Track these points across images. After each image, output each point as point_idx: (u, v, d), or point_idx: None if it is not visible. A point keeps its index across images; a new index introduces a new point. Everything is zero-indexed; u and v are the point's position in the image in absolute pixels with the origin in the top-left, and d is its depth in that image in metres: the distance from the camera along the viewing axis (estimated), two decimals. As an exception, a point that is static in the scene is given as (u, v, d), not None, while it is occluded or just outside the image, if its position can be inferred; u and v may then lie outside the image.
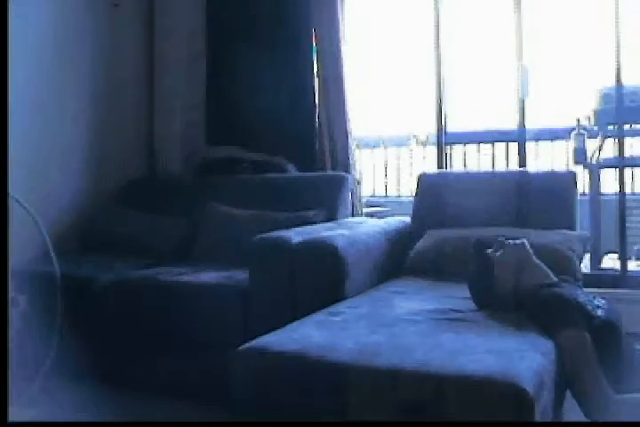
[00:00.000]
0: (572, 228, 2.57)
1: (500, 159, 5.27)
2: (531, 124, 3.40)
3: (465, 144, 5.37)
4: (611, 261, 3.96)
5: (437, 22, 3.45)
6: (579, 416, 2.07)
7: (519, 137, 3.41)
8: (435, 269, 2.48)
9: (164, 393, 2.34)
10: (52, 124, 3.16)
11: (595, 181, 4.28)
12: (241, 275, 2.42)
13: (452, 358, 1.47)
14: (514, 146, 3.66)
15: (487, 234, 2.24)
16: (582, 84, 4.58)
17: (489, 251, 1.97)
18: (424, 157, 5.76)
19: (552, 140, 5.26)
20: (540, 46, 3.62)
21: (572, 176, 2.73)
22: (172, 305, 2.43)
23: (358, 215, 3.29)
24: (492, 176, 2.88)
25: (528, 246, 1.99)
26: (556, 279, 1.96)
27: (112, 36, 3.51)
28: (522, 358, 1.47)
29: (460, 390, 1.35)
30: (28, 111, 2.95)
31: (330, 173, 3.31)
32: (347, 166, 3.35)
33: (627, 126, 4.20)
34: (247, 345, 1.62)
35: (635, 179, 5.13)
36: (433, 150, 3.63)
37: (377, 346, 1.56)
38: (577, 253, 2.39)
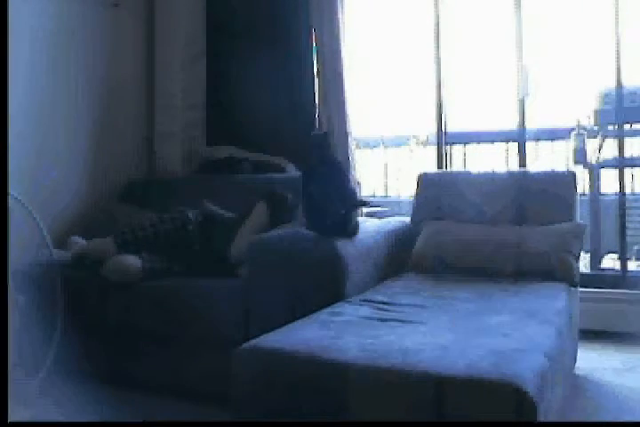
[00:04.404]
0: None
1: (500, 159, 5.26)
2: (531, 125, 3.40)
3: (465, 144, 5.36)
4: (611, 261, 3.97)
5: (437, 22, 3.45)
6: (579, 416, 2.08)
7: (519, 137, 3.42)
8: (435, 266, 2.49)
9: (164, 393, 2.34)
10: (52, 124, 3.16)
11: (595, 181, 4.28)
12: (241, 275, 2.43)
13: (453, 358, 1.47)
14: (514, 146, 3.66)
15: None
16: (582, 84, 4.58)
17: None
18: (424, 157, 5.75)
19: (552, 140, 5.25)
20: (540, 46, 3.62)
21: (572, 176, 2.73)
22: (172, 305, 2.43)
23: (358, 215, 3.28)
24: (492, 176, 2.87)
25: None
26: None
27: (112, 36, 3.51)
28: (523, 358, 1.47)
29: (462, 392, 1.35)
30: (28, 111, 2.95)
31: (330, 173, 3.31)
32: (346, 166, 3.35)
33: (627, 126, 4.20)
34: (248, 344, 1.62)
35: (635, 179, 5.13)
36: (433, 150, 3.63)
37: (378, 346, 1.56)
38: (574, 252, 2.41)
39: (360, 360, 1.48)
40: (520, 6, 3.32)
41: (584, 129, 4.10)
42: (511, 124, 3.45)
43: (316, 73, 3.47)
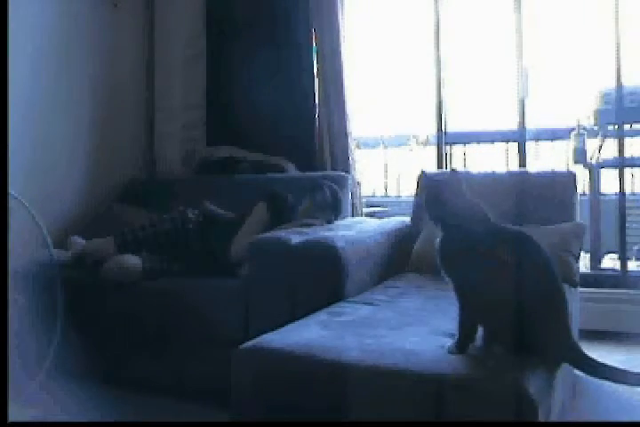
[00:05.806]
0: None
1: (500, 159, 5.27)
2: (531, 125, 3.40)
3: (465, 144, 5.37)
4: (611, 261, 3.97)
5: (437, 22, 3.45)
6: (579, 416, 2.08)
7: (519, 137, 3.41)
8: (435, 266, 2.48)
9: (164, 393, 2.34)
10: (52, 124, 3.16)
11: (595, 181, 4.28)
12: (241, 275, 2.43)
13: (454, 358, 1.47)
14: (514, 146, 3.66)
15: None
16: (582, 84, 4.58)
17: None
18: (424, 157, 5.75)
19: (552, 140, 5.26)
20: (540, 46, 3.62)
21: (572, 176, 2.73)
22: (172, 305, 2.43)
23: (358, 215, 3.29)
24: (492, 176, 2.87)
25: None
26: None
27: (112, 36, 3.51)
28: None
29: (462, 392, 1.35)
30: (29, 111, 2.95)
31: (330, 172, 3.31)
32: (346, 166, 3.35)
33: (627, 126, 4.20)
34: (248, 344, 1.62)
35: (635, 179, 5.13)
36: (433, 150, 3.63)
37: (378, 346, 1.56)
38: (574, 252, 2.40)
39: (360, 360, 1.48)
40: (520, 6, 3.32)
41: (584, 129, 4.10)
42: (511, 125, 3.44)
43: (315, 73, 3.47)
